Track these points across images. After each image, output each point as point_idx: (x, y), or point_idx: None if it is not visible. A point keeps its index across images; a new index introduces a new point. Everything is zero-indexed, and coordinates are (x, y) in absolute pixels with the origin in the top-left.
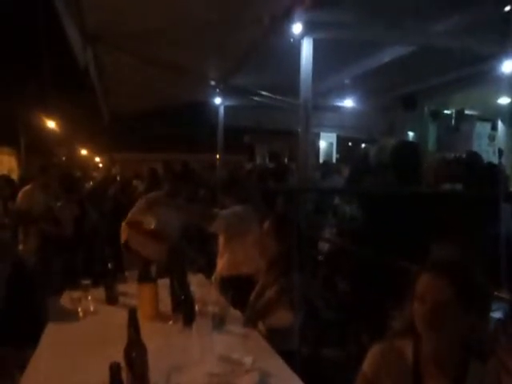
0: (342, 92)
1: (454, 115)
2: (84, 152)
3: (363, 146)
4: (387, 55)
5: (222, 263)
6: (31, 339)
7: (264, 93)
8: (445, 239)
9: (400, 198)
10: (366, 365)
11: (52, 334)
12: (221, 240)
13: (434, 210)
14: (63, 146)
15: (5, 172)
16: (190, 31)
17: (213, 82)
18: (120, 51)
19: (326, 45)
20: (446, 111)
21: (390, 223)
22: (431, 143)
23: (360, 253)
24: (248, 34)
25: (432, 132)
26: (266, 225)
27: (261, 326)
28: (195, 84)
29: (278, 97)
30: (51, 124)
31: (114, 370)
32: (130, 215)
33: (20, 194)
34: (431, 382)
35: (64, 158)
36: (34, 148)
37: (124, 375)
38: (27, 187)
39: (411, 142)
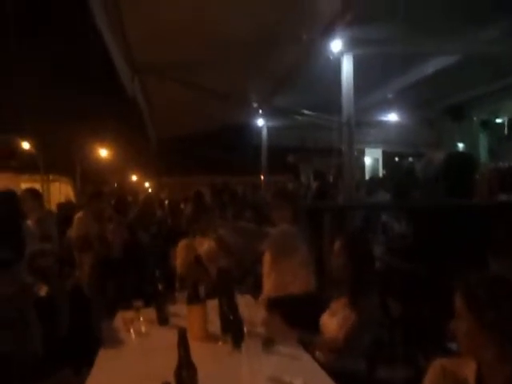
0: (385, 106)
1: (506, 124)
2: (134, 178)
3: (409, 160)
4: (431, 66)
5: (269, 284)
6: (87, 361)
7: (306, 112)
8: (503, 253)
9: (452, 212)
10: (426, 380)
11: (106, 355)
12: (267, 260)
13: (489, 222)
14: (115, 173)
15: (62, 199)
16: (231, 56)
17: (255, 104)
18: (166, 80)
19: (366, 60)
20: (497, 120)
21: (443, 238)
22: (483, 154)
23: (412, 271)
24: (288, 55)
25: (483, 142)
26: (338, 244)
27: (318, 353)
28: (238, 107)
29: (321, 115)
30: (103, 152)
31: None
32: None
33: (75, 221)
34: None
35: (116, 185)
36: (89, 176)
37: None
38: (80, 214)
39: (462, 153)
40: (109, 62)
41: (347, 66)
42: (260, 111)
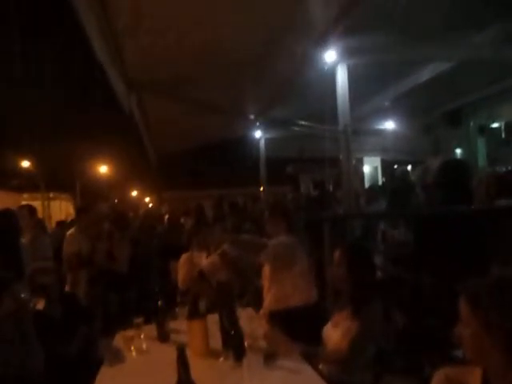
0: (382, 115)
1: (503, 128)
2: (135, 193)
3: (403, 167)
4: (426, 73)
5: (269, 297)
6: (88, 379)
7: (303, 122)
8: (503, 259)
9: (452, 219)
10: None
11: (107, 373)
12: (266, 272)
13: (489, 228)
14: (115, 188)
15: (63, 217)
16: (226, 71)
17: (252, 116)
18: (162, 95)
19: (361, 69)
20: (493, 125)
21: (443, 245)
22: (481, 159)
23: (414, 279)
24: (283, 67)
25: (481, 147)
26: (337, 254)
27: (321, 366)
28: (235, 120)
29: (318, 125)
30: (103, 169)
31: None
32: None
33: (66, 238)
34: None
35: (116, 200)
36: (88, 193)
37: None
38: (71, 231)
39: (457, 160)
40: (105, 80)
41: (342, 76)
42: (257, 123)
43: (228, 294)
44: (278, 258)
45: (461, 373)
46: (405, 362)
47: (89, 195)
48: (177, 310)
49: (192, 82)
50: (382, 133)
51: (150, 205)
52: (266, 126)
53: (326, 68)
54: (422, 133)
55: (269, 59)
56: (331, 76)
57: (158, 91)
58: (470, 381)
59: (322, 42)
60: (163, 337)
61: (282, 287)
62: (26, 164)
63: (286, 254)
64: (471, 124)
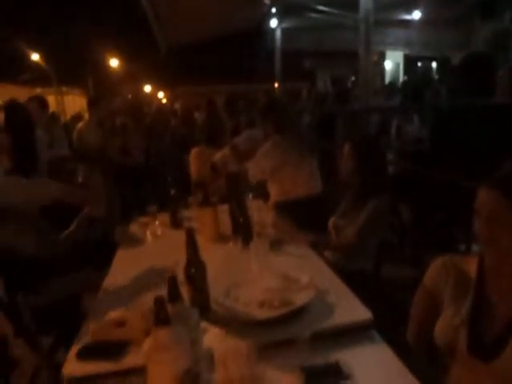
0: (408, 3)
1: None
2: (148, 88)
3: (419, 65)
4: None
5: (272, 192)
6: (107, 261)
7: (322, 7)
8: None
9: (470, 113)
10: (427, 275)
11: (123, 255)
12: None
13: (509, 123)
14: (128, 83)
15: (77, 111)
16: None
17: (267, 1)
18: None
19: None
20: None
21: (460, 140)
22: None
23: (427, 175)
24: None
25: None
26: (347, 147)
27: (326, 253)
28: (250, 5)
29: (337, 12)
30: (115, 62)
31: (172, 282)
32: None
33: (75, 132)
34: (494, 297)
35: (130, 96)
36: (102, 87)
37: (184, 290)
38: (82, 123)
39: (483, 53)
40: None
41: None
42: (273, 10)
43: (238, 184)
44: (265, 171)
45: (458, 260)
46: (408, 255)
47: (102, 89)
48: (190, 199)
49: None
50: (407, 24)
51: (164, 100)
52: (283, 13)
53: None
54: (451, 25)
55: None
56: None
57: None
58: (466, 268)
59: None
60: (176, 223)
61: (281, 185)
62: (35, 57)
63: (273, 163)
64: (506, 17)
